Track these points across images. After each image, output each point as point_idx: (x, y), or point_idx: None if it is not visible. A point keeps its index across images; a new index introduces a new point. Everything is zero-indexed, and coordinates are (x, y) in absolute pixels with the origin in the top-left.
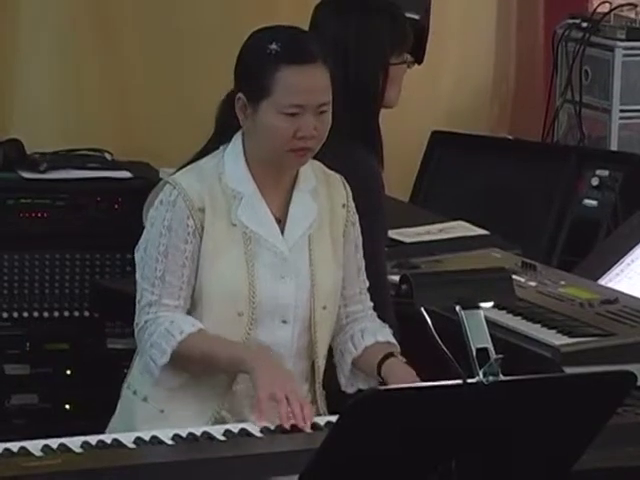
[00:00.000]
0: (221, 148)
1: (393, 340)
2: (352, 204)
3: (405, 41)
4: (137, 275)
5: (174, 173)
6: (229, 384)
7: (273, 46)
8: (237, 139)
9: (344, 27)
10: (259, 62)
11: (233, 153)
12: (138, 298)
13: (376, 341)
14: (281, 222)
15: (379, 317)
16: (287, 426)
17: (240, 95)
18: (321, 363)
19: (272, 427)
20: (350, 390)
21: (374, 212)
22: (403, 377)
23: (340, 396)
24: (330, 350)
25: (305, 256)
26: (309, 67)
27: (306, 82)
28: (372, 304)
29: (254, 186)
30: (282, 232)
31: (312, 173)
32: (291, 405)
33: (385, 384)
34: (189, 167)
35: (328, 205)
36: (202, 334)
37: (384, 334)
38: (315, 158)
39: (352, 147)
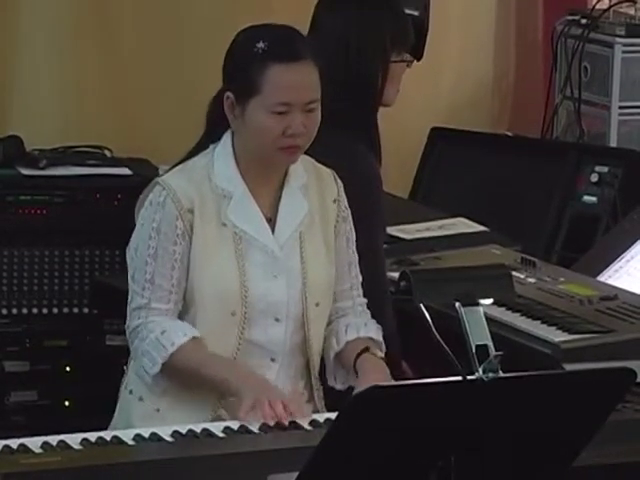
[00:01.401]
0: (211, 147)
1: (376, 336)
2: (344, 198)
3: (406, 39)
4: (128, 276)
5: (165, 172)
6: None
7: (260, 44)
8: (227, 138)
9: (345, 23)
10: (246, 61)
11: (223, 152)
12: (129, 300)
13: (358, 337)
14: (271, 220)
15: (377, 313)
16: (271, 424)
17: (228, 94)
18: (316, 360)
19: (271, 424)
20: (337, 386)
21: (372, 209)
22: (372, 372)
23: (339, 393)
24: None
25: (296, 254)
26: (297, 65)
27: (294, 79)
28: (365, 300)
29: (244, 185)
30: (273, 230)
31: (302, 169)
32: (273, 405)
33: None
34: (179, 167)
35: (319, 201)
36: (194, 346)
37: (367, 330)
38: (314, 153)
39: (352, 144)
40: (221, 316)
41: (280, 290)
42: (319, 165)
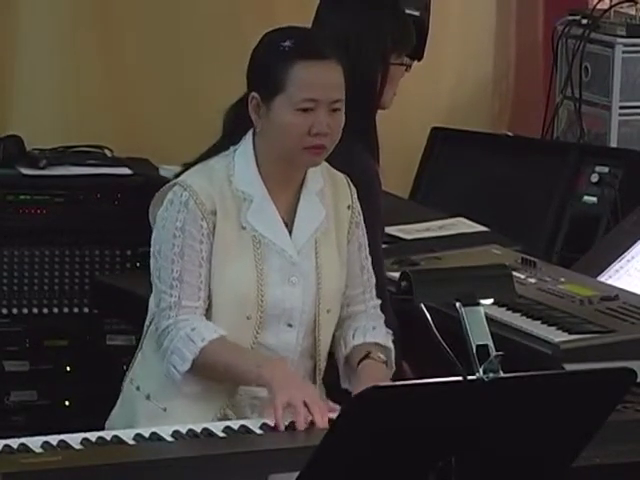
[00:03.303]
0: (231, 149)
1: (383, 341)
2: (357, 205)
3: (407, 41)
4: (153, 279)
5: (181, 172)
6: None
7: (286, 43)
8: (248, 140)
9: (346, 23)
10: (273, 59)
11: (243, 154)
12: (156, 302)
13: (364, 341)
14: (288, 225)
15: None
16: (303, 427)
17: (254, 94)
18: (323, 364)
19: (272, 424)
20: (347, 387)
21: (371, 209)
22: (368, 379)
23: (340, 393)
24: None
25: (312, 260)
26: (323, 63)
27: (320, 77)
28: (378, 302)
29: (264, 188)
30: (290, 235)
31: (320, 174)
32: (311, 411)
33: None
34: (198, 167)
35: (334, 206)
36: (223, 342)
37: (374, 334)
38: None
39: (349, 143)
40: (237, 319)
41: (296, 297)
42: (334, 170)
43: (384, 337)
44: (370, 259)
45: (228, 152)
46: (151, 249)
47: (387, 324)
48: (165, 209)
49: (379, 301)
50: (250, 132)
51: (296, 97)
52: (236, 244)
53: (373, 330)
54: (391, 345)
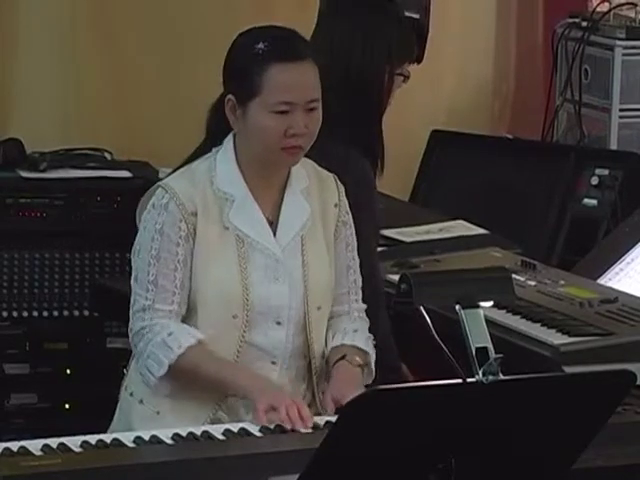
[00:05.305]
0: (213, 151)
1: (364, 345)
2: (345, 203)
3: (409, 50)
4: (131, 279)
5: (167, 176)
6: None
7: (260, 45)
8: (229, 142)
9: (351, 27)
10: (247, 62)
11: (225, 156)
12: (132, 303)
13: (342, 343)
14: (273, 224)
15: (371, 316)
16: (289, 427)
17: (230, 96)
18: (318, 363)
19: (271, 427)
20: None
21: (362, 211)
22: (340, 381)
23: None
24: None
25: (298, 257)
26: (297, 64)
27: (295, 79)
28: (364, 306)
29: (246, 188)
30: (274, 234)
31: (304, 172)
32: (288, 409)
33: None
34: (181, 171)
35: (320, 205)
36: (200, 348)
37: (355, 337)
38: (307, 157)
39: (345, 147)
40: (223, 319)
41: (282, 294)
42: (320, 169)
43: (364, 341)
44: (358, 261)
45: (210, 154)
46: (134, 250)
47: (382, 330)
48: (148, 212)
49: (364, 306)
50: (232, 133)
51: (272, 100)
52: (219, 244)
53: (354, 333)
54: (372, 350)
